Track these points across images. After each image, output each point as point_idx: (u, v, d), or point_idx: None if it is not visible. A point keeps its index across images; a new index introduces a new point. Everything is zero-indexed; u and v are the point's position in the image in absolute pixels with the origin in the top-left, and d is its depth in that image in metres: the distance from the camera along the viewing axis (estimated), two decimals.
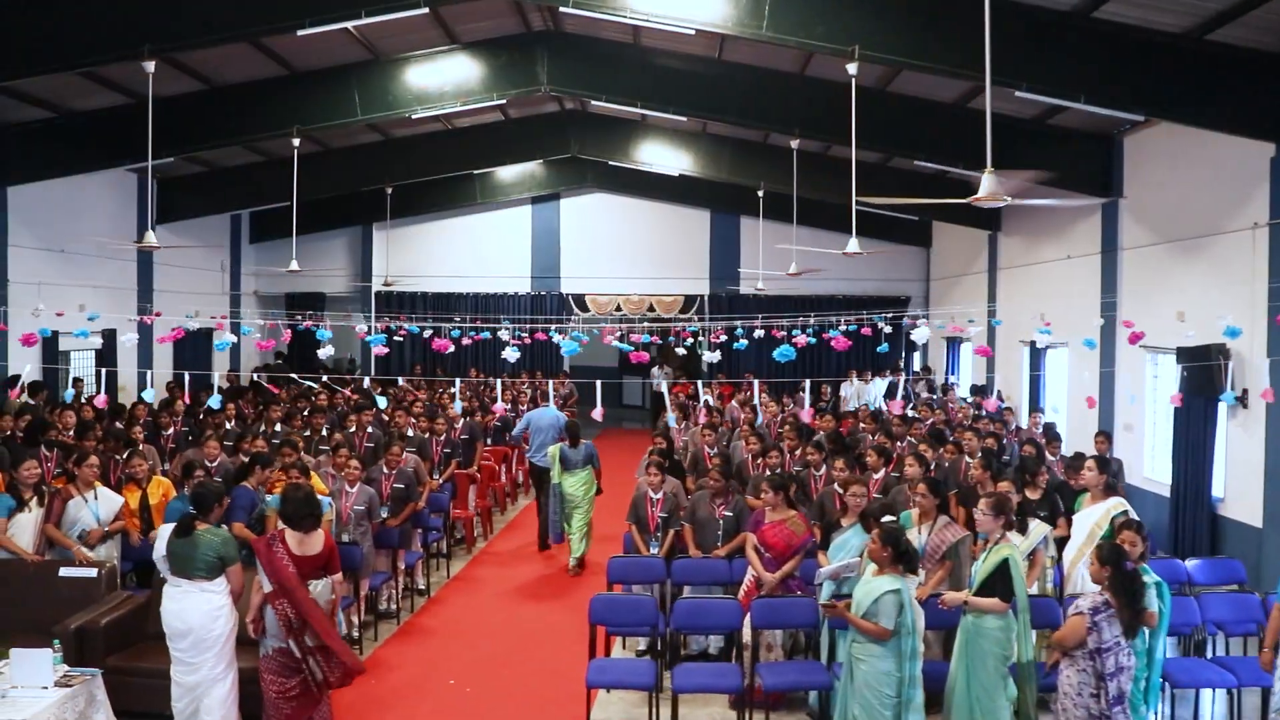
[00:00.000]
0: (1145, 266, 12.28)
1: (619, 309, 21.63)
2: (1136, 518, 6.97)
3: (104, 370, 13.15)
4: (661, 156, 17.73)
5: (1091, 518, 7.26)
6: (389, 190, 18.15)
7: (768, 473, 9.17)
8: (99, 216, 16.01)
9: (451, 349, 16.52)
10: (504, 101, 13.62)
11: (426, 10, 9.82)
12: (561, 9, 9.71)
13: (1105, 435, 10.14)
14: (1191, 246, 11.13)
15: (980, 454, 9.18)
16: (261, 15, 9.56)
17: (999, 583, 5.88)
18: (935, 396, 17.11)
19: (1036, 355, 15.17)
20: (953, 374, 19.36)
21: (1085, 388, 12.91)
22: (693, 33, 9.88)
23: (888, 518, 6.15)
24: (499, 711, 6.93)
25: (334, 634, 6.02)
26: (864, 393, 19.10)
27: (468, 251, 21.75)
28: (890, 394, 18.05)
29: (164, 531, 6.09)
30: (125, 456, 8.60)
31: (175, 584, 5.94)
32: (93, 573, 7.21)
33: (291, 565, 5.95)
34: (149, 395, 14.11)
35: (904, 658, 5.58)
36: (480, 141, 17.24)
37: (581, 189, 21.57)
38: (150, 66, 9.50)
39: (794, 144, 13.23)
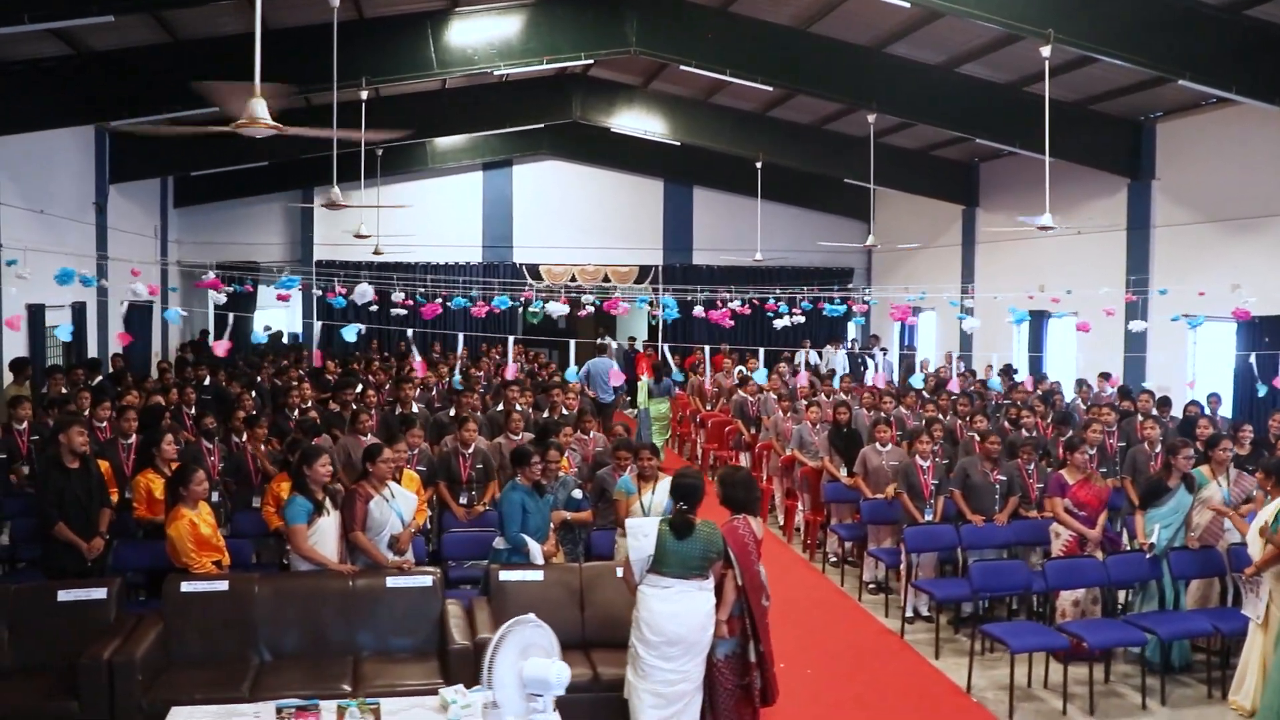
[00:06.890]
0: (1180, 243, 13.58)
1: (574, 279, 21.19)
2: None
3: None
4: (660, 125, 17.52)
5: None
6: (379, 153, 16.76)
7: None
8: (67, 175, 13.88)
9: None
10: (591, 61, 13.00)
11: None
12: None
13: (1218, 398, 11.19)
14: (1244, 225, 12.44)
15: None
16: None
17: None
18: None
19: (1038, 328, 16.27)
20: (910, 345, 20.43)
21: (1100, 361, 13.95)
22: (906, 6, 9.89)
23: None
24: (880, 690, 6.91)
25: (769, 643, 5.71)
26: (831, 360, 19.83)
27: (418, 218, 20.43)
28: (858, 366, 18.81)
29: (640, 527, 5.50)
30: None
31: (665, 584, 5.35)
32: (428, 580, 6.41)
33: (758, 556, 5.64)
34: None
35: None
36: (479, 103, 16.31)
37: (535, 155, 20.86)
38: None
39: (871, 118, 13.48)
